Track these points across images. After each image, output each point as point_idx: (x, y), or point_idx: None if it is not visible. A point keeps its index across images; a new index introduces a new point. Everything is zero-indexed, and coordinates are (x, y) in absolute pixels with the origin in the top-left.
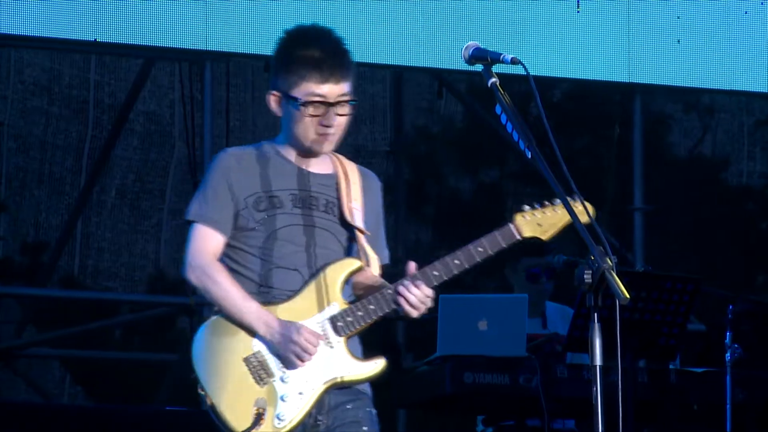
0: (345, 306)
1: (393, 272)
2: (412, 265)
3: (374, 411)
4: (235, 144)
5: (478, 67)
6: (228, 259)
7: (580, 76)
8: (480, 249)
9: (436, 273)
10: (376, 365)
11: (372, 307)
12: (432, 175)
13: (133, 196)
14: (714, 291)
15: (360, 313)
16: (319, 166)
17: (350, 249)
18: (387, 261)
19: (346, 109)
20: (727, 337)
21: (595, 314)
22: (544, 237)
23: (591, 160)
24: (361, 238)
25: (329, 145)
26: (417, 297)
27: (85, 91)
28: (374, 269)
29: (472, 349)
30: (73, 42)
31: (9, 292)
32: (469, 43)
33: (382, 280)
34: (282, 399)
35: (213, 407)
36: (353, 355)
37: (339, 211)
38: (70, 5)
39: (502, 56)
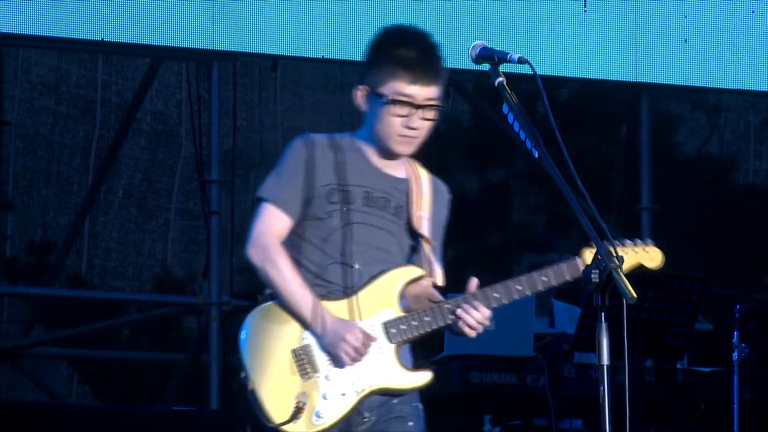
0: (400, 313)
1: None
2: (473, 283)
3: (420, 406)
4: (243, 143)
5: (485, 67)
6: (289, 244)
7: (587, 76)
8: (544, 278)
9: (496, 295)
10: (423, 377)
11: (428, 319)
12: (439, 175)
13: (141, 196)
14: (721, 290)
15: (415, 323)
16: (394, 168)
17: (410, 257)
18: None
19: (431, 114)
20: (735, 337)
21: (603, 314)
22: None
23: (598, 160)
24: (426, 248)
25: (409, 148)
26: (476, 319)
27: (92, 91)
28: (438, 280)
29: (479, 348)
30: (81, 41)
31: (16, 292)
32: (476, 42)
33: (436, 293)
34: (324, 397)
35: (254, 392)
36: (402, 363)
37: (407, 216)
38: (78, 5)
39: (509, 55)
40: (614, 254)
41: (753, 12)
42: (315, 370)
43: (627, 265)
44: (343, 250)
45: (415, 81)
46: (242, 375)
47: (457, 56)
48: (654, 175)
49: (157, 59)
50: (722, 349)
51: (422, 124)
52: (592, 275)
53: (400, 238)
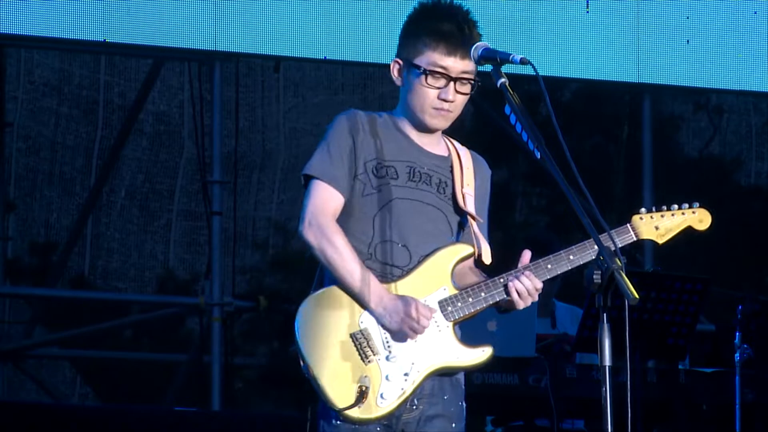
0: (455, 291)
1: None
2: (526, 255)
3: (464, 404)
4: (245, 144)
5: (488, 68)
6: (338, 222)
7: (589, 77)
8: (594, 247)
9: (549, 266)
10: (484, 353)
11: (483, 294)
12: None
13: (143, 197)
14: (723, 291)
15: (471, 300)
16: (434, 146)
17: (459, 234)
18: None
19: (466, 88)
20: (737, 338)
21: (605, 314)
22: (660, 241)
23: (600, 161)
24: (474, 225)
25: (444, 122)
26: (527, 288)
27: (94, 92)
28: (486, 258)
29: None
30: (83, 42)
31: (19, 293)
32: (479, 43)
33: (477, 271)
34: (387, 378)
35: (315, 380)
36: (461, 341)
37: (452, 193)
38: (80, 6)
39: (511, 56)
40: (616, 254)
41: (755, 13)
42: (375, 352)
43: (677, 229)
44: (393, 228)
45: (450, 53)
46: (302, 365)
47: None
48: (656, 176)
49: (159, 60)
50: (724, 349)
51: (456, 98)
52: (594, 276)
53: (447, 215)
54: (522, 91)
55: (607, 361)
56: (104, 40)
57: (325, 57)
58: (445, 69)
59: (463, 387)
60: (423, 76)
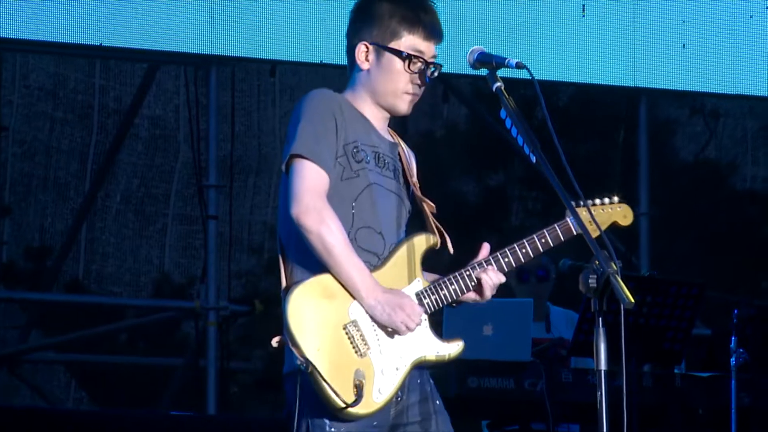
0: (426, 283)
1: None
2: (485, 248)
3: (432, 381)
4: (241, 148)
5: (483, 72)
6: None
7: (585, 81)
8: (543, 240)
9: (506, 260)
10: (458, 347)
11: (454, 287)
12: (437, 179)
13: (138, 201)
14: (719, 295)
15: (444, 293)
16: (386, 134)
17: (408, 221)
18: None
19: (435, 73)
20: (733, 342)
21: (600, 319)
22: (593, 235)
23: (596, 165)
24: (430, 215)
25: (409, 107)
26: (495, 282)
27: (90, 96)
28: (450, 247)
29: (477, 353)
30: (78, 46)
31: (13, 297)
32: (474, 47)
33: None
34: (381, 372)
35: (313, 375)
36: (436, 334)
37: (404, 181)
38: (75, 10)
39: (507, 60)
40: (612, 259)
41: (751, 17)
42: (367, 345)
43: (605, 224)
44: (371, 214)
45: (427, 37)
46: (297, 360)
47: (455, 61)
48: (652, 180)
49: (154, 64)
50: (720, 354)
51: (424, 84)
52: (590, 280)
53: (404, 202)
54: (518, 95)
55: (603, 366)
56: (100, 44)
57: (321, 61)
58: (423, 54)
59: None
60: (405, 62)
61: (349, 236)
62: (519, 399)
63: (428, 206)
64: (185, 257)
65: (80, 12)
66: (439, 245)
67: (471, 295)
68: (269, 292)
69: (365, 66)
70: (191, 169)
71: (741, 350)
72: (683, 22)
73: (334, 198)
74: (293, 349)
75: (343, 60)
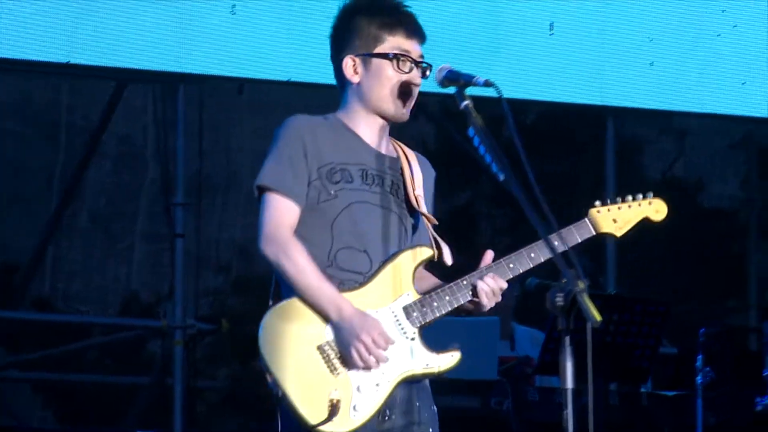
0: (418, 296)
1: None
2: (488, 255)
3: (435, 408)
4: (209, 166)
5: (452, 90)
6: (296, 232)
7: (553, 99)
8: (556, 243)
9: (512, 265)
10: (453, 357)
11: (448, 297)
12: None
13: (105, 219)
14: (685, 314)
15: (435, 304)
16: (385, 147)
17: (412, 236)
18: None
19: (427, 72)
20: (699, 361)
21: (567, 337)
22: (618, 234)
23: (564, 183)
24: (430, 227)
25: (407, 112)
26: (492, 288)
27: (57, 114)
28: (447, 260)
29: None
30: (45, 64)
31: None
32: (442, 65)
33: (431, 275)
34: (358, 390)
35: (285, 397)
36: (428, 347)
37: (405, 195)
38: (43, 27)
39: (475, 78)
40: (579, 277)
41: (719, 35)
42: (345, 363)
43: (634, 220)
44: (352, 234)
45: (410, 36)
46: (268, 380)
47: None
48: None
49: (122, 82)
50: (686, 372)
51: (419, 83)
52: (557, 298)
53: (402, 217)
54: (486, 113)
55: (570, 384)
56: (67, 61)
57: (289, 79)
58: (409, 53)
59: (429, 390)
60: (393, 62)
61: (328, 258)
62: (485, 417)
63: (428, 219)
64: (153, 275)
65: (48, 29)
66: (436, 257)
67: (470, 305)
68: (236, 311)
69: (355, 79)
70: (159, 187)
71: (707, 369)
72: (651, 40)
73: (311, 221)
74: (266, 375)
75: (310, 77)
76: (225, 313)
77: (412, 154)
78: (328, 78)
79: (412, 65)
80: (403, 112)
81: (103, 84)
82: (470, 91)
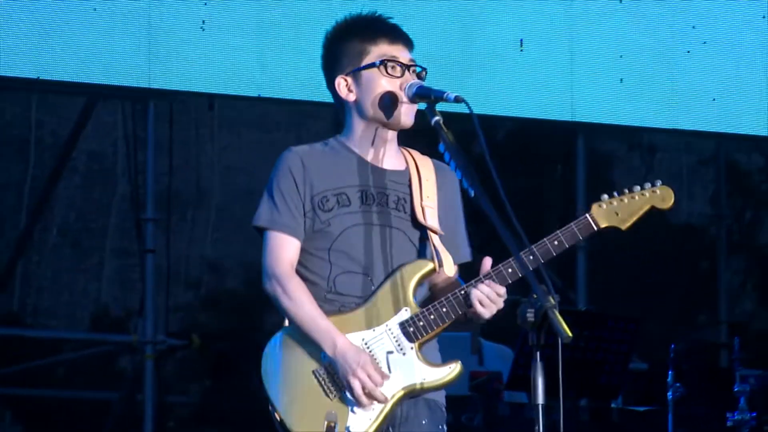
0: (416, 310)
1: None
2: (487, 262)
3: (445, 427)
4: (180, 182)
5: (422, 106)
6: (298, 263)
7: (523, 115)
8: (556, 243)
9: (510, 270)
10: (452, 370)
11: (445, 309)
12: None
13: (75, 235)
14: (656, 330)
15: (432, 317)
16: (390, 162)
17: (423, 249)
18: (468, 258)
19: (423, 74)
20: (669, 376)
21: (538, 353)
22: (623, 226)
23: (534, 199)
24: (434, 239)
25: (411, 118)
26: (488, 295)
27: (26, 130)
28: (448, 271)
29: None
30: (14, 80)
31: None
32: (413, 81)
33: (457, 281)
34: (352, 411)
35: (282, 423)
36: (427, 360)
37: (411, 209)
38: (12, 42)
39: (445, 94)
40: (550, 293)
41: (689, 52)
42: (339, 386)
43: (640, 211)
44: (350, 258)
45: (393, 42)
46: (269, 408)
47: None
48: None
49: (92, 98)
50: (657, 388)
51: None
52: (528, 314)
53: (407, 233)
54: (456, 129)
55: (540, 400)
56: (37, 77)
57: (259, 95)
58: (396, 58)
59: (444, 411)
60: (382, 68)
61: (327, 284)
62: None
63: (432, 230)
64: (123, 290)
65: (17, 45)
66: (437, 269)
67: (473, 314)
68: (207, 326)
69: (351, 97)
70: (129, 202)
71: (678, 384)
72: (621, 56)
73: (311, 251)
74: (269, 405)
75: (280, 93)
76: (196, 328)
77: (427, 163)
78: (299, 94)
79: (403, 69)
80: (404, 121)
81: (73, 100)
82: (441, 107)
